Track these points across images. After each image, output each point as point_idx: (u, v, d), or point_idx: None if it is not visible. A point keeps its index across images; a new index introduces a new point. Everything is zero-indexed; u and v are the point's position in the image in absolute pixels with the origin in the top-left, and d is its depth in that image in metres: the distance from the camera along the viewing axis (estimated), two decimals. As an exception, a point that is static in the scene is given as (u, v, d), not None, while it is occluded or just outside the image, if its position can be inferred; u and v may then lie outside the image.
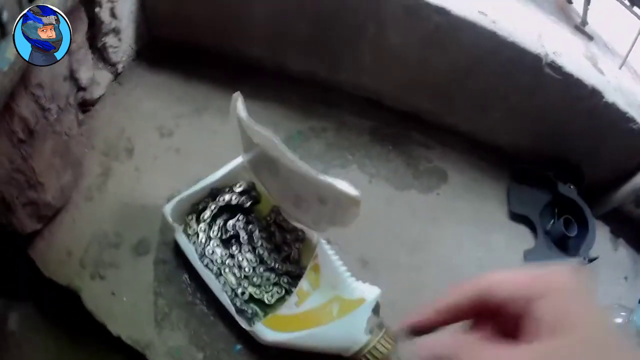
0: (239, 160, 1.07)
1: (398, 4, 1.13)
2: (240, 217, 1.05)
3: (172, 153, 1.21)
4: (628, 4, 1.41)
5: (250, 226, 1.05)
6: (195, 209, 1.05)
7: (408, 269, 1.10)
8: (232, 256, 1.01)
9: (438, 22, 1.12)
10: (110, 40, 1.26)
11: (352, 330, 0.89)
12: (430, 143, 1.32)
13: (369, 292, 0.92)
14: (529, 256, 1.13)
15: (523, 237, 1.19)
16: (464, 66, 1.18)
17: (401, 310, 1.01)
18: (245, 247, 1.02)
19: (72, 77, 1.14)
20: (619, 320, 0.88)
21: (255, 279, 0.99)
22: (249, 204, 1.06)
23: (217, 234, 1.02)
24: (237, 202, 1.05)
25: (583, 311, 0.38)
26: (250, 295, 0.97)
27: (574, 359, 0.36)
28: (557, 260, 1.10)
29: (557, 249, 1.13)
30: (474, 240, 1.17)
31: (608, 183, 1.26)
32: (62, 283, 1.01)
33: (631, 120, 1.14)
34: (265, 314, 0.96)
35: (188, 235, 1.02)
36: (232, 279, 0.98)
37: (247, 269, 0.99)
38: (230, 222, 1.04)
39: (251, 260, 1.01)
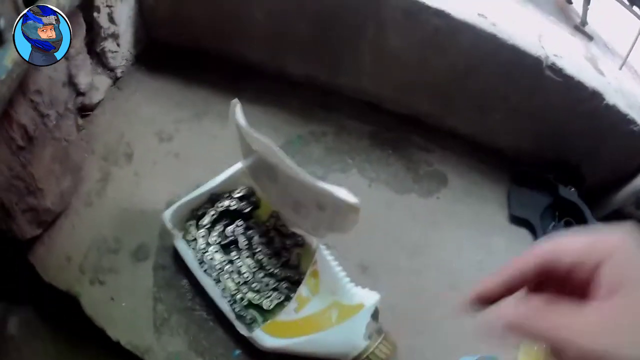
0: (238, 165, 1.06)
1: (397, 7, 1.12)
2: (240, 223, 1.05)
3: (171, 158, 1.21)
4: (627, 3, 1.40)
5: (249, 231, 1.04)
6: (194, 214, 1.05)
7: (408, 273, 1.10)
8: (231, 262, 1.01)
9: (437, 25, 1.11)
10: (108, 45, 1.26)
11: (351, 335, 0.89)
12: (430, 146, 1.31)
13: (368, 298, 0.92)
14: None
15: (523, 240, 1.18)
16: (464, 69, 1.18)
17: (401, 314, 1.01)
18: (245, 253, 1.02)
19: (71, 82, 1.14)
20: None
21: (254, 285, 0.98)
22: (248, 209, 1.06)
23: (216, 240, 1.02)
24: (237, 207, 1.05)
25: None
26: (249, 301, 0.97)
27: None
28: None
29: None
30: (474, 243, 1.16)
31: (609, 185, 1.25)
32: (61, 288, 1.01)
33: (632, 122, 1.13)
34: (265, 319, 0.96)
35: (187, 241, 1.02)
36: (231, 285, 0.97)
37: (246, 275, 0.99)
38: (230, 228, 1.04)
39: (250, 266, 1.01)
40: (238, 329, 0.93)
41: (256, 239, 1.03)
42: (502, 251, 1.15)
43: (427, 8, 1.10)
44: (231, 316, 0.94)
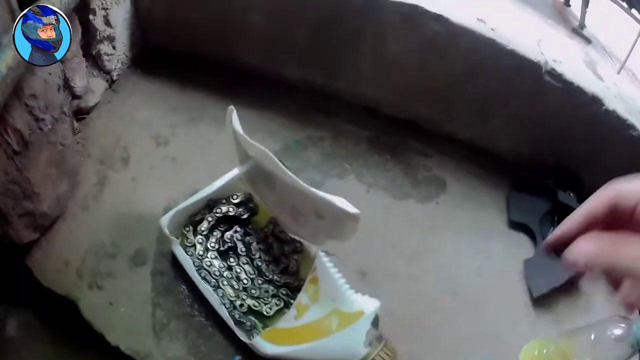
0: (235, 171, 1.06)
1: (396, 11, 1.12)
2: (238, 229, 1.05)
3: (168, 162, 1.20)
4: (626, 6, 1.40)
5: (248, 238, 1.04)
6: (192, 220, 1.04)
7: (407, 278, 1.10)
8: (230, 268, 1.01)
9: (436, 30, 1.11)
10: (104, 47, 1.25)
11: (351, 343, 0.89)
12: (428, 151, 1.31)
13: (368, 305, 0.91)
14: (529, 264, 1.12)
15: (522, 246, 1.18)
16: (463, 73, 1.17)
17: (400, 320, 1.01)
18: (243, 259, 1.02)
19: (67, 85, 1.13)
20: (618, 331, 0.87)
21: (253, 291, 0.98)
22: (246, 215, 1.06)
23: (215, 246, 1.02)
24: (235, 213, 1.04)
25: None
26: (249, 307, 0.96)
27: None
28: (558, 268, 1.09)
29: (557, 257, 1.12)
30: (473, 249, 1.16)
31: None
32: (60, 292, 1.00)
33: (631, 127, 1.13)
34: (264, 325, 0.95)
35: (185, 247, 1.01)
36: (231, 291, 0.97)
37: (245, 281, 0.99)
38: (228, 234, 1.04)
39: (249, 272, 1.00)
40: (238, 335, 0.93)
41: (255, 245, 1.03)
42: (501, 256, 1.15)
43: (426, 13, 1.10)
44: (231, 322, 0.93)
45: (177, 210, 1.02)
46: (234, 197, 1.07)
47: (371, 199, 1.21)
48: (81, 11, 1.16)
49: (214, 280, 0.98)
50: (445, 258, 1.14)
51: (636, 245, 0.44)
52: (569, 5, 1.49)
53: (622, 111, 1.13)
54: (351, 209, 0.80)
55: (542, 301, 1.09)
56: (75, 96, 1.19)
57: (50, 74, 0.98)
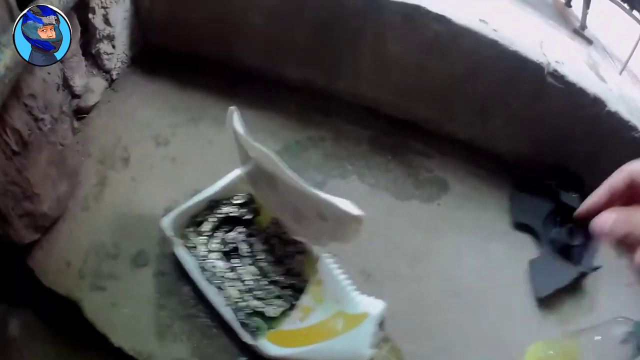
0: (237, 172, 1.06)
1: (397, 11, 1.12)
2: (241, 230, 1.04)
3: (168, 162, 1.20)
4: (627, 7, 1.40)
5: (250, 239, 1.04)
6: (193, 221, 1.04)
7: (410, 279, 1.09)
8: (233, 269, 1.00)
9: (438, 30, 1.11)
10: (104, 46, 1.25)
11: (357, 344, 0.89)
12: (429, 152, 1.31)
13: (373, 307, 0.92)
14: (534, 265, 1.12)
15: (524, 246, 1.18)
16: (464, 74, 1.17)
17: (404, 321, 1.01)
18: (247, 260, 1.01)
19: (66, 84, 1.13)
20: (623, 333, 0.87)
21: (257, 292, 0.98)
22: (249, 216, 1.05)
23: (217, 247, 1.01)
24: (237, 214, 1.04)
25: None
26: (253, 309, 0.96)
27: None
28: (562, 269, 1.10)
29: (561, 257, 1.12)
30: (475, 249, 1.16)
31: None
32: (61, 293, 1.00)
33: (633, 128, 1.13)
34: (269, 327, 0.95)
35: (187, 248, 1.00)
36: (235, 293, 0.96)
37: (249, 282, 0.98)
38: (230, 235, 1.03)
39: (253, 273, 1.00)
40: (242, 337, 0.92)
41: (258, 246, 1.03)
42: (503, 257, 1.15)
43: (428, 13, 1.10)
44: (235, 324, 0.93)
45: (179, 211, 1.02)
46: (236, 197, 1.06)
47: (373, 199, 1.21)
48: (80, 10, 1.16)
49: (218, 282, 0.97)
50: (448, 259, 1.14)
51: None
52: (570, 6, 1.49)
53: (624, 112, 1.13)
54: (354, 211, 0.79)
55: (546, 302, 1.09)
56: (74, 95, 1.19)
57: (49, 73, 0.98)
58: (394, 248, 1.13)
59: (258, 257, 1.02)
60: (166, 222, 0.99)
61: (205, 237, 1.02)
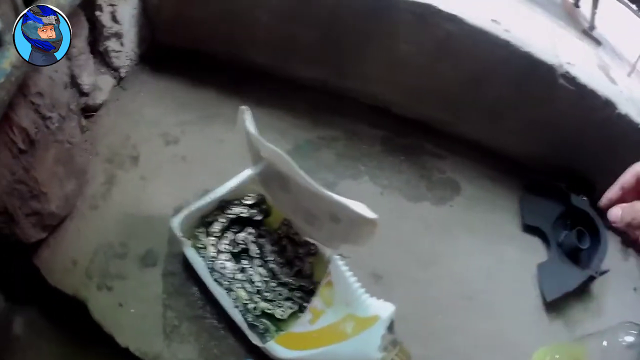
0: (248, 172, 1.05)
1: (409, 11, 1.11)
2: (251, 230, 1.04)
3: (178, 161, 1.19)
4: (635, 8, 1.40)
5: (261, 240, 1.03)
6: (203, 222, 1.03)
7: (421, 282, 1.09)
8: (242, 270, 0.99)
9: (450, 30, 1.10)
10: (112, 44, 1.24)
11: (366, 348, 0.88)
12: (442, 153, 1.30)
13: (384, 310, 0.90)
14: (542, 268, 1.12)
15: (535, 249, 1.18)
16: (476, 75, 1.17)
17: (414, 324, 1.00)
18: (257, 261, 1.01)
19: (74, 82, 1.12)
20: (630, 338, 0.87)
21: (267, 294, 0.97)
22: (259, 217, 1.05)
23: (227, 248, 1.01)
24: (248, 215, 1.03)
25: None
26: (262, 311, 0.95)
27: None
28: (570, 272, 1.10)
29: (569, 261, 1.12)
30: (487, 252, 1.16)
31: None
32: (68, 292, 0.99)
33: (643, 131, 1.13)
34: (278, 329, 0.95)
35: (197, 249, 1.00)
36: (244, 294, 0.96)
37: (258, 284, 0.98)
38: (241, 236, 1.03)
39: (263, 275, 0.99)
40: (251, 339, 0.92)
41: (268, 247, 1.02)
42: (514, 260, 1.15)
43: (440, 12, 1.09)
44: (243, 326, 0.92)
45: (189, 211, 1.01)
46: (247, 198, 1.06)
47: (386, 201, 1.20)
48: (87, 7, 1.15)
49: (227, 283, 0.96)
50: (459, 262, 1.13)
51: None
52: (579, 7, 1.49)
53: (635, 115, 1.13)
54: (369, 214, 0.79)
55: (554, 305, 1.08)
56: (82, 93, 1.18)
57: (56, 71, 0.97)
58: (405, 250, 1.13)
59: (268, 259, 1.01)
60: (175, 222, 0.98)
61: (215, 238, 1.01)
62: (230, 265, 0.99)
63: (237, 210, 1.03)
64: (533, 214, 1.20)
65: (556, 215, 1.19)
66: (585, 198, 1.18)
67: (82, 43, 1.14)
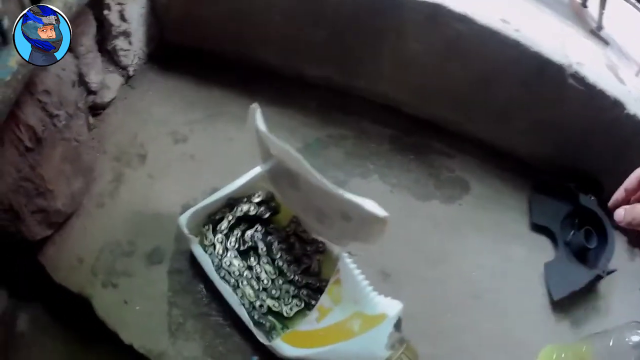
0: (257, 169, 1.05)
1: (419, 10, 1.11)
2: (259, 228, 1.03)
3: (186, 159, 1.19)
4: (643, 9, 1.40)
5: (269, 237, 1.03)
6: (211, 219, 1.03)
7: (429, 280, 1.08)
8: (250, 268, 0.99)
9: (460, 30, 1.10)
10: (120, 43, 1.25)
11: (373, 346, 0.88)
12: (451, 152, 1.30)
13: (391, 308, 0.90)
14: (550, 267, 1.11)
15: (543, 249, 1.17)
16: (486, 75, 1.16)
17: (422, 323, 1.00)
18: (264, 259, 1.01)
19: (82, 81, 1.13)
20: (636, 338, 0.87)
21: (274, 292, 0.97)
22: (267, 214, 1.04)
23: (235, 245, 1.01)
24: (256, 212, 1.03)
25: None
26: (269, 308, 0.95)
27: None
28: (578, 272, 1.09)
29: (577, 260, 1.12)
30: (495, 251, 1.15)
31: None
32: (73, 290, 0.99)
33: (651, 132, 1.12)
34: (284, 326, 0.94)
35: (204, 247, 1.00)
36: (250, 292, 0.96)
37: (265, 281, 0.98)
38: (248, 233, 1.02)
39: (270, 272, 0.99)
40: (257, 336, 0.91)
41: (276, 245, 1.02)
42: (522, 259, 1.14)
43: (450, 12, 1.09)
44: (250, 323, 0.92)
45: (197, 209, 1.01)
46: (255, 195, 1.05)
47: (395, 199, 1.20)
48: (96, 6, 1.16)
49: (234, 280, 0.96)
50: (467, 260, 1.13)
51: None
52: (586, 7, 1.48)
53: (642, 115, 1.12)
54: (380, 212, 0.78)
55: (561, 304, 1.08)
56: (90, 92, 1.19)
57: (64, 69, 0.98)
58: (413, 248, 1.12)
59: (276, 256, 1.01)
60: (183, 220, 0.98)
61: (222, 235, 1.01)
62: (237, 262, 0.99)
63: (245, 207, 1.03)
64: (541, 214, 1.19)
65: (564, 214, 1.18)
66: (593, 198, 1.17)
67: (90, 41, 1.15)
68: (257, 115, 0.91)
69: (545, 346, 0.98)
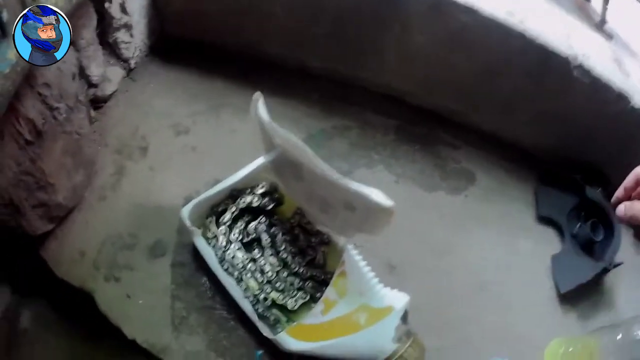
0: (260, 160, 1.03)
1: (424, 1, 1.10)
2: (262, 220, 1.02)
3: (188, 151, 1.18)
4: (646, 3, 1.39)
5: (273, 229, 1.02)
6: (214, 211, 1.02)
7: (435, 272, 1.08)
8: (253, 260, 0.98)
9: (465, 21, 1.09)
10: (121, 35, 1.24)
11: (380, 339, 0.87)
12: (457, 143, 1.29)
13: (398, 300, 0.90)
14: (556, 260, 1.11)
15: (549, 241, 1.16)
16: (490, 66, 1.15)
17: (428, 315, 0.99)
18: (268, 251, 1.00)
19: (83, 73, 1.12)
20: (641, 331, 0.87)
21: (278, 284, 0.96)
22: (271, 206, 1.03)
23: (238, 237, 1.00)
24: (259, 204, 1.02)
25: None
26: (273, 301, 0.94)
27: None
28: (584, 264, 1.08)
29: (583, 253, 1.11)
30: (501, 243, 1.14)
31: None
32: (75, 284, 0.99)
33: (656, 125, 1.12)
34: (288, 319, 0.94)
35: (207, 239, 0.99)
36: (254, 284, 0.95)
37: (269, 274, 0.97)
38: (252, 225, 1.01)
39: (274, 265, 0.98)
40: (261, 330, 0.91)
41: (280, 236, 1.01)
42: (528, 251, 1.13)
43: (455, 3, 1.08)
44: (254, 317, 0.91)
45: (199, 201, 1.00)
46: (259, 187, 1.05)
47: (400, 190, 1.19)
48: (96, -1, 1.15)
49: (237, 273, 0.95)
50: (473, 252, 1.12)
51: None
52: (589, 1, 1.48)
53: (647, 109, 1.12)
54: (386, 201, 0.77)
55: (568, 297, 1.07)
56: (91, 85, 1.18)
57: (64, 62, 0.97)
58: (419, 240, 1.12)
59: (280, 248, 1.00)
60: (185, 212, 0.98)
61: (225, 227, 1.00)
62: (240, 255, 0.98)
63: (248, 199, 1.02)
64: (548, 206, 1.19)
65: (570, 207, 1.18)
66: (599, 190, 1.17)
67: (90, 34, 1.14)
68: (260, 105, 0.90)
69: (553, 339, 0.97)
